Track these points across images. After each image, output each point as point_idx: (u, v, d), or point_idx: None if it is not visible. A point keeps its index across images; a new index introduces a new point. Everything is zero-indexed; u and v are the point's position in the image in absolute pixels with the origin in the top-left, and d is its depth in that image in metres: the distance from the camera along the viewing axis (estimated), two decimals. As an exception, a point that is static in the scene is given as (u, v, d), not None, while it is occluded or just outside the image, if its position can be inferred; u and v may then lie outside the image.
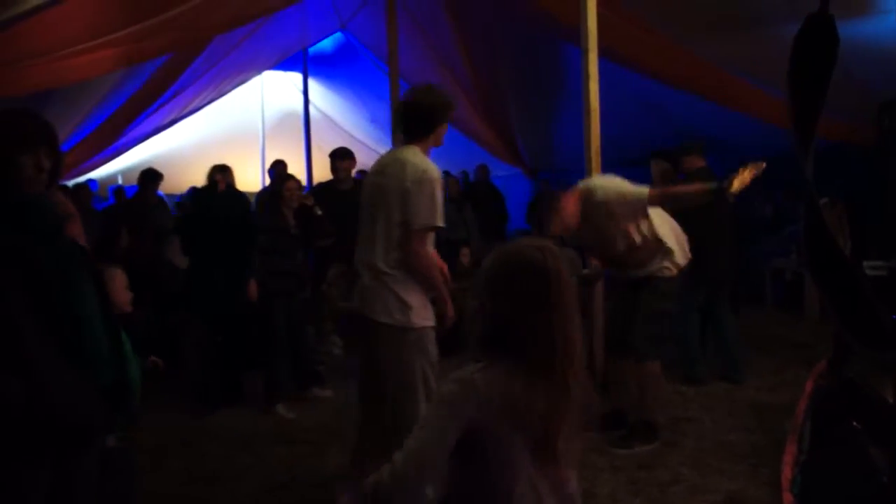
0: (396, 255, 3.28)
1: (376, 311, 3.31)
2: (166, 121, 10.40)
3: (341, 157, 6.62)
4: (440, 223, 3.29)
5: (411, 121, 3.43)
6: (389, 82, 7.20)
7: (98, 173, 11.13)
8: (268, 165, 8.71)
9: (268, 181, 8.76)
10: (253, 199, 8.05)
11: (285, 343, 5.49)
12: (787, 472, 3.39)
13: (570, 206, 4.18)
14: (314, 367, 5.89)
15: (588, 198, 4.20)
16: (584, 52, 5.02)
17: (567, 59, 7.04)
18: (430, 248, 3.36)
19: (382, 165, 3.47)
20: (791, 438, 3.50)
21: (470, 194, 9.46)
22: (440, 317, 3.42)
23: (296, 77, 11.00)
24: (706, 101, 6.89)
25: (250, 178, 12.35)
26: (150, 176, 7.83)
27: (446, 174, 8.23)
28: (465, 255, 7.29)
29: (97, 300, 2.46)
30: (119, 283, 3.70)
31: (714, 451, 4.35)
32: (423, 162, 3.31)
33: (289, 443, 4.78)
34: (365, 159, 8.82)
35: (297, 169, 10.20)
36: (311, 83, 10.71)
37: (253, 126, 11.90)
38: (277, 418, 5.29)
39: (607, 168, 5.00)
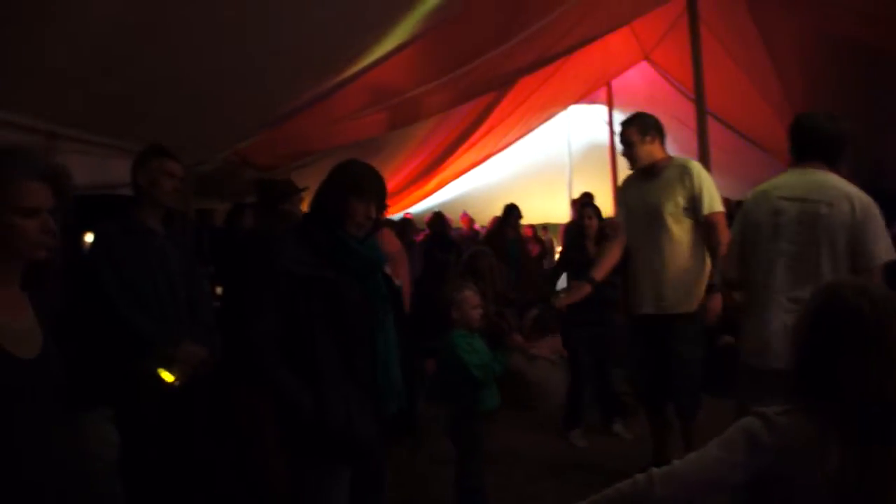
0: None
1: None
2: (480, 157, 11.03)
3: None
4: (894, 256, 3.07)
5: (836, 149, 3.24)
6: (696, 111, 7.00)
7: (416, 207, 11.98)
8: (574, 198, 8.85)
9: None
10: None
11: (586, 372, 5.51)
12: None
13: None
14: (618, 400, 5.77)
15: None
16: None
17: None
18: None
19: (799, 189, 3.21)
20: None
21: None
22: None
23: (601, 109, 11.12)
24: None
25: (558, 211, 12.65)
26: (512, 211, 8.19)
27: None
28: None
29: (398, 338, 2.70)
30: (470, 302, 3.86)
31: None
32: (860, 191, 3.09)
33: (587, 471, 4.79)
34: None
35: (603, 200, 10.28)
36: (616, 115, 10.74)
37: (560, 159, 12.16)
38: (572, 444, 5.35)
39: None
